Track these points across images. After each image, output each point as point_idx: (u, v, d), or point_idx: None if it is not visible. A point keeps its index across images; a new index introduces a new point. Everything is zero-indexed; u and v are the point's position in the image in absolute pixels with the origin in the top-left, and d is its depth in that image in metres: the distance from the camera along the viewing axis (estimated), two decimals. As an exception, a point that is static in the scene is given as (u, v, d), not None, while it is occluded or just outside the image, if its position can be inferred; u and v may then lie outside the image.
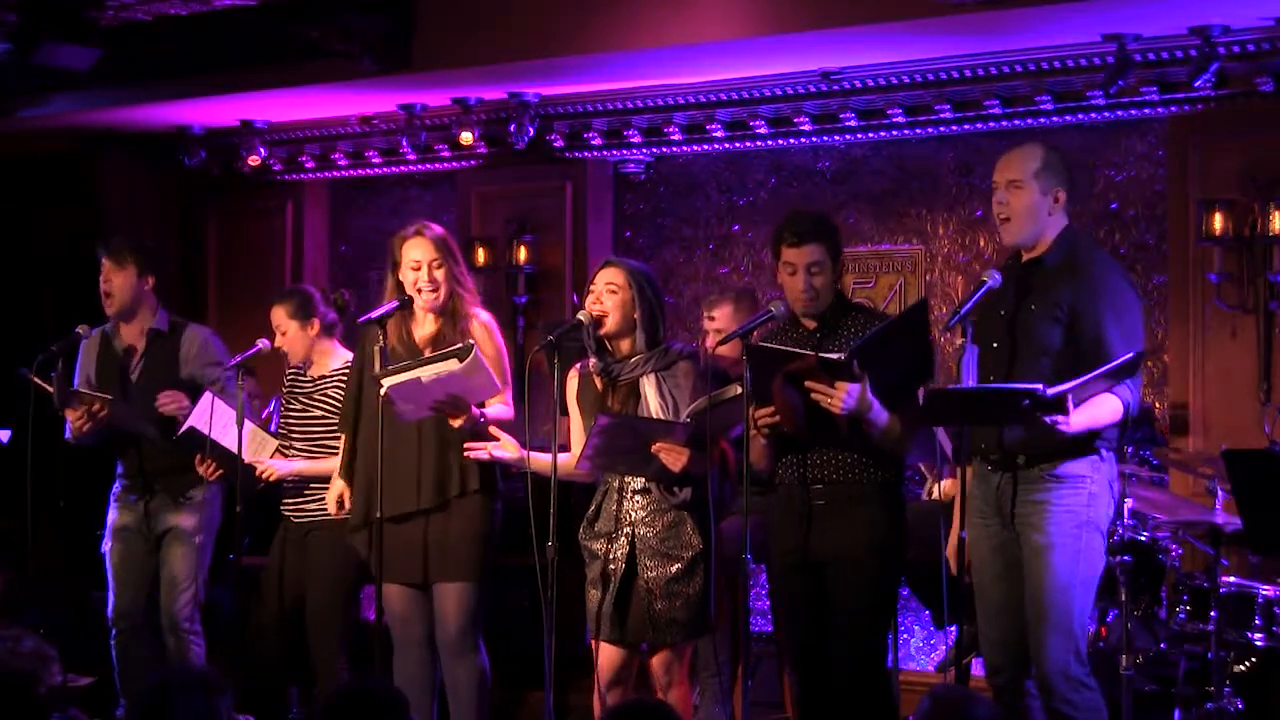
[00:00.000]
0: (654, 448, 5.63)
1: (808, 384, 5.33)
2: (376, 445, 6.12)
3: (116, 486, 7.21)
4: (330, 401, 6.76)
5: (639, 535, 5.76)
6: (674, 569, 5.73)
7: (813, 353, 5.37)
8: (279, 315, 6.87)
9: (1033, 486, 5.33)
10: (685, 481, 5.72)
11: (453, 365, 5.90)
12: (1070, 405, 5.10)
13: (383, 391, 5.99)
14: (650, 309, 5.83)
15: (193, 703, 4.18)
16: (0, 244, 10.38)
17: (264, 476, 6.73)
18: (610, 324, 5.81)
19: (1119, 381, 5.27)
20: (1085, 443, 5.29)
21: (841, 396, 5.30)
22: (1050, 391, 5.09)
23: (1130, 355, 5.24)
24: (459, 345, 5.96)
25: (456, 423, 6.03)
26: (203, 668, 6.74)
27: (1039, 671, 5.30)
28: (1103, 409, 5.25)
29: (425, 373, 5.93)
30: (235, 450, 6.67)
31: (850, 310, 5.72)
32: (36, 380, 6.98)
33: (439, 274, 6.19)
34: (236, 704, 4.41)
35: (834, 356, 5.33)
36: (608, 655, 5.87)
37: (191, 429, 6.77)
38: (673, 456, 5.62)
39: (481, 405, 6.08)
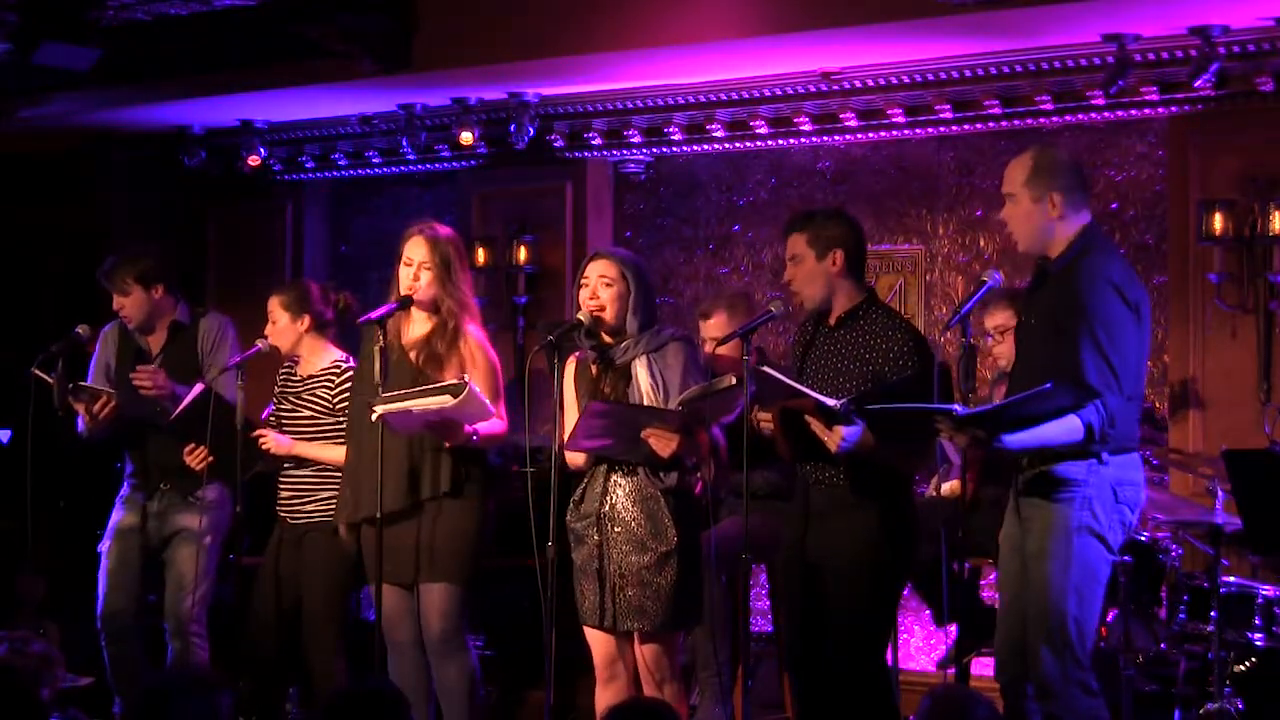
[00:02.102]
0: (644, 433, 5.64)
1: (807, 417, 5.37)
2: (360, 447, 6.16)
3: (125, 488, 7.21)
4: (319, 401, 6.74)
5: (618, 519, 5.77)
6: (645, 559, 5.73)
7: (812, 395, 5.37)
8: (273, 304, 6.86)
9: (1033, 489, 5.28)
10: (673, 467, 5.73)
11: (446, 401, 5.90)
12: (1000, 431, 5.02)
13: (374, 417, 6.00)
14: (643, 296, 5.84)
15: (193, 704, 4.18)
16: (0, 244, 10.39)
17: (264, 447, 6.69)
18: (608, 316, 5.81)
19: (1081, 404, 5.09)
20: (1081, 448, 5.17)
21: (837, 441, 5.34)
22: (961, 412, 5.02)
23: (1047, 386, 5.01)
24: (453, 381, 5.96)
25: (448, 444, 6.06)
26: (203, 667, 6.75)
27: (1036, 679, 5.25)
28: (1056, 428, 5.09)
29: (417, 405, 5.94)
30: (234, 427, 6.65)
31: (870, 309, 5.65)
32: (39, 374, 6.97)
33: (425, 275, 6.18)
34: (236, 704, 4.42)
35: (832, 404, 5.35)
36: (596, 643, 5.88)
37: (187, 410, 6.74)
38: (662, 442, 5.63)
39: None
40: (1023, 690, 5.36)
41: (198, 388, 6.77)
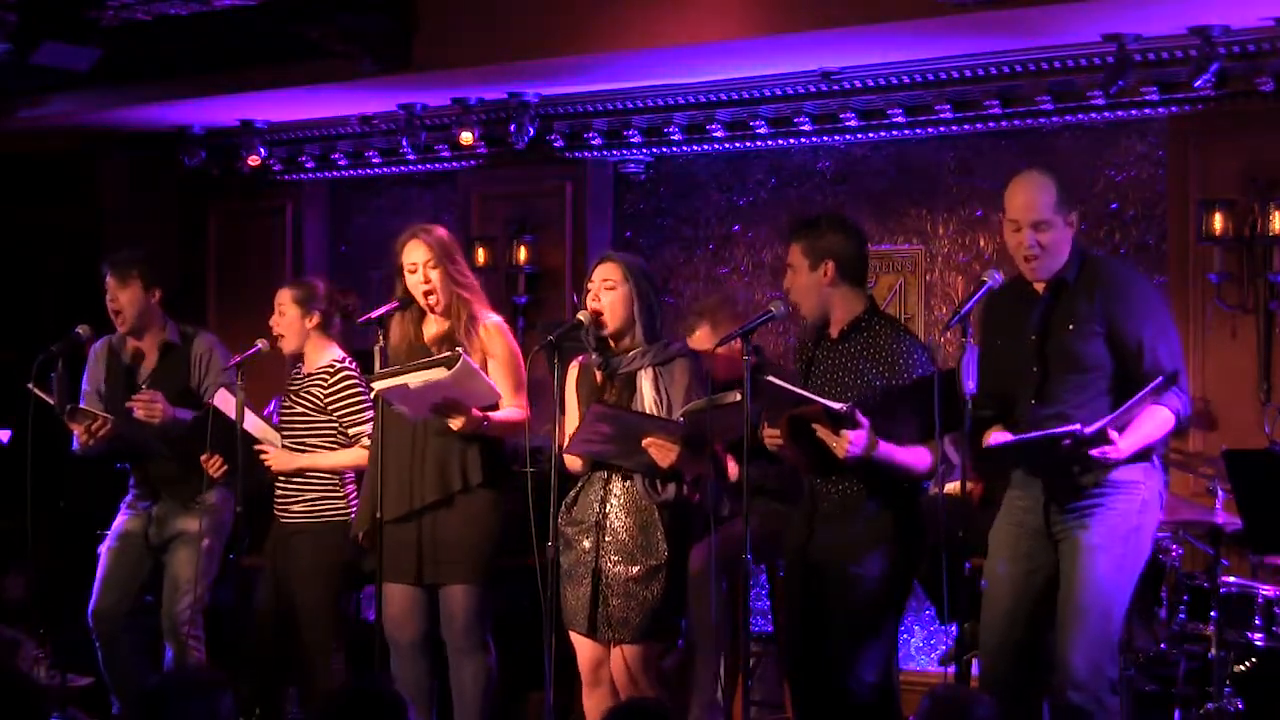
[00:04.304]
0: (645, 441, 5.63)
1: (815, 426, 5.37)
2: (377, 447, 6.15)
3: (129, 495, 7.24)
4: (311, 399, 6.74)
5: (610, 528, 5.77)
6: (634, 570, 5.73)
7: (818, 400, 5.38)
8: (285, 297, 6.86)
9: (1085, 492, 5.32)
10: (671, 478, 5.72)
11: (440, 374, 5.91)
12: (1112, 435, 5.15)
13: (371, 394, 6.01)
14: (647, 303, 5.85)
15: (192, 706, 4.18)
16: (0, 244, 10.39)
17: (267, 462, 6.70)
18: (609, 319, 5.82)
19: (1164, 393, 5.30)
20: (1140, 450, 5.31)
21: (845, 446, 5.33)
22: (1088, 430, 5.14)
23: (1160, 380, 5.25)
24: (447, 354, 5.97)
25: (456, 425, 6.03)
26: (203, 669, 6.75)
27: (1068, 670, 5.25)
28: (1152, 424, 5.29)
29: (413, 379, 5.94)
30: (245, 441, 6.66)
31: (873, 320, 5.62)
32: (37, 391, 6.99)
33: (433, 274, 6.18)
34: (237, 704, 4.41)
35: (838, 407, 5.35)
36: (582, 647, 5.88)
37: (188, 431, 6.74)
38: (662, 452, 5.62)
39: (491, 408, 6.08)
40: (1018, 695, 5.34)
41: (220, 397, 6.75)
